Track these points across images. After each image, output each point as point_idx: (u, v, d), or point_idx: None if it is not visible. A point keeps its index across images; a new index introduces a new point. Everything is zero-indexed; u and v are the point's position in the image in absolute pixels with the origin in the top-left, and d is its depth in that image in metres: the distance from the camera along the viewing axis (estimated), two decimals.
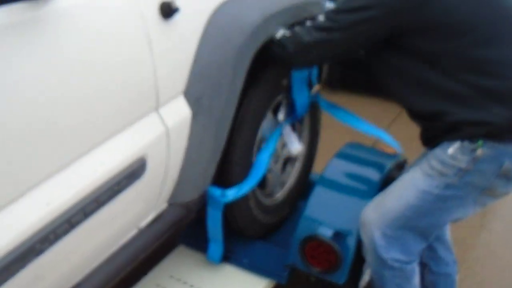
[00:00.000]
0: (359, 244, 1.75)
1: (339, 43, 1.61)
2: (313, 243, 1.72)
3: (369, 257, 1.76)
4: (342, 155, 2.00)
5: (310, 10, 1.88)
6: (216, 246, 1.88)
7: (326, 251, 1.70)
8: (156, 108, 1.44)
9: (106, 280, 1.46)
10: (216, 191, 1.72)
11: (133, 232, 1.53)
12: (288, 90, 1.94)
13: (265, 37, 1.67)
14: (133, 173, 1.39)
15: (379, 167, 1.95)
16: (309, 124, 2.20)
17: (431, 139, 1.66)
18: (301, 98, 1.97)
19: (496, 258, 2.75)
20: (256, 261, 1.94)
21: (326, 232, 1.70)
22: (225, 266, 1.97)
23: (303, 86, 1.95)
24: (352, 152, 2.08)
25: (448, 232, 1.98)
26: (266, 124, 1.89)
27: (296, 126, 2.11)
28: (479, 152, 1.52)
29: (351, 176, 1.92)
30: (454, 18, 1.52)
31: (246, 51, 1.61)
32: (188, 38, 1.50)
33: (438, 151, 1.60)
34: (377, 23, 1.55)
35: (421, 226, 1.68)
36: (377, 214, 1.70)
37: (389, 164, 1.99)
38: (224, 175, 1.75)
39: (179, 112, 1.51)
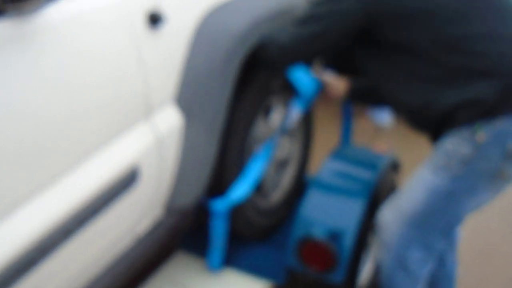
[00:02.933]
0: (355, 242, 1.77)
1: (316, 35, 1.63)
2: (308, 244, 1.73)
3: (385, 258, 1.76)
4: (336, 156, 2.02)
5: (298, 13, 1.91)
6: (217, 253, 1.90)
7: (322, 251, 1.72)
8: (147, 117, 1.46)
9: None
10: (219, 203, 1.75)
11: (131, 240, 1.56)
12: (280, 91, 1.96)
13: (254, 42, 1.69)
14: (126, 182, 1.41)
15: (372, 166, 1.97)
16: (303, 125, 2.22)
17: (434, 133, 1.66)
18: (304, 81, 1.97)
19: (495, 254, 2.76)
20: (254, 263, 1.96)
21: (320, 233, 1.72)
22: (224, 270, 1.98)
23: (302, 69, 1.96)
24: (346, 153, 2.10)
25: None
26: (258, 127, 1.92)
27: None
28: (479, 136, 1.50)
29: (345, 176, 1.94)
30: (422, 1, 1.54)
31: (235, 57, 1.63)
32: (176, 46, 1.52)
33: (439, 145, 1.60)
34: (351, 11, 1.58)
35: (439, 224, 1.67)
36: (394, 215, 1.70)
37: (383, 164, 2.01)
38: (216, 180, 1.77)
39: (170, 120, 1.53)
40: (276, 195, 2.15)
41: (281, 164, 2.17)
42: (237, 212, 1.86)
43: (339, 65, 2.02)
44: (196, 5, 1.58)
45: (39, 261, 1.18)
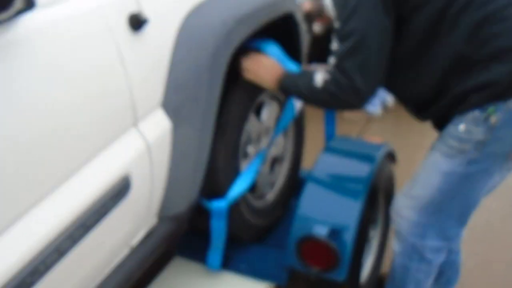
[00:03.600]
0: (356, 238, 1.73)
1: (373, 44, 1.49)
2: (309, 243, 1.69)
3: (399, 247, 1.76)
4: (330, 150, 1.98)
5: (285, 7, 1.86)
6: (216, 253, 1.85)
7: (323, 249, 1.67)
8: (135, 124, 1.41)
9: None
10: (218, 203, 1.71)
11: (125, 251, 1.51)
12: None
13: (239, 40, 1.64)
14: (118, 193, 1.35)
15: (368, 158, 1.93)
16: (294, 122, 2.18)
17: (441, 119, 1.63)
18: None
19: (496, 237, 2.74)
20: (254, 265, 1.92)
21: (321, 231, 1.67)
22: (223, 273, 1.94)
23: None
24: (340, 146, 2.05)
25: None
26: (250, 125, 1.87)
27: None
28: (493, 119, 1.48)
29: (341, 170, 1.89)
30: None
31: (221, 56, 1.58)
32: (160, 48, 1.46)
33: (451, 128, 1.57)
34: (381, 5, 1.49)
35: (454, 209, 1.66)
36: (408, 204, 1.69)
37: (379, 154, 1.97)
38: (211, 183, 1.72)
39: (159, 125, 1.48)
40: (272, 194, 2.11)
41: (276, 162, 2.12)
42: (233, 215, 1.82)
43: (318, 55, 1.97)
44: (177, 5, 1.53)
45: (34, 282, 1.13)
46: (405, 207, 1.71)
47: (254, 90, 1.83)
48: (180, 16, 1.53)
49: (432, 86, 1.57)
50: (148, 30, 1.39)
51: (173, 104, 1.51)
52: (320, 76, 1.59)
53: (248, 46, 1.79)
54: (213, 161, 1.69)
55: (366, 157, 1.94)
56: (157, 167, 1.50)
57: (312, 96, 1.63)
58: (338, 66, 1.54)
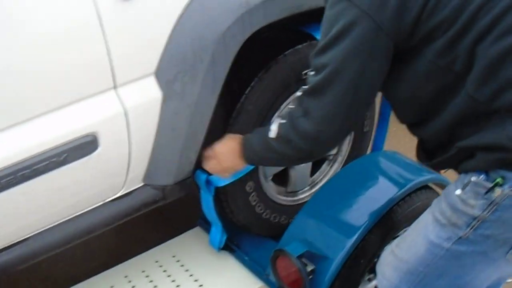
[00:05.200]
0: (340, 273, 1.51)
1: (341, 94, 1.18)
2: (281, 258, 1.53)
3: None
4: (355, 165, 1.71)
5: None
6: (216, 231, 1.82)
7: (292, 269, 1.51)
8: (114, 87, 1.42)
9: (63, 241, 1.55)
10: (202, 176, 1.65)
11: (97, 203, 1.58)
12: None
13: (261, 23, 1.51)
14: (80, 147, 1.41)
15: (398, 184, 1.61)
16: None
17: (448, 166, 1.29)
18: None
19: None
20: (259, 259, 1.82)
21: (295, 249, 1.50)
22: (228, 260, 1.89)
23: None
24: (371, 163, 1.75)
25: None
26: None
27: None
28: (498, 192, 1.11)
29: (356, 193, 1.63)
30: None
31: (232, 37, 1.47)
32: (159, 17, 1.42)
33: (451, 187, 1.22)
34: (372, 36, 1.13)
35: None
36: (393, 263, 1.37)
37: (408, 183, 1.62)
38: None
39: (144, 94, 1.46)
40: (308, 194, 1.95)
41: (324, 162, 1.95)
42: (239, 205, 1.75)
43: None
44: None
45: None
46: (389, 265, 1.38)
47: (286, 84, 1.68)
48: None
49: (438, 133, 1.22)
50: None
51: (166, 76, 1.47)
52: (275, 124, 1.34)
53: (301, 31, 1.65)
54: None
55: (394, 182, 1.63)
56: (137, 134, 1.49)
57: (271, 153, 1.35)
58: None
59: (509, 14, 1.06)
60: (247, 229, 1.85)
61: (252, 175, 1.71)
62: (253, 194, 1.75)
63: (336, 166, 1.97)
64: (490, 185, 1.11)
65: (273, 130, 1.34)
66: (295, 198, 1.92)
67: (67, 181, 1.44)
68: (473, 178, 1.14)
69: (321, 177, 1.97)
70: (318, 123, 1.23)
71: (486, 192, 1.12)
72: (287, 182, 1.88)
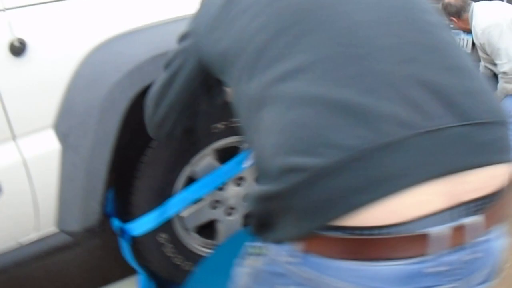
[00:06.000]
0: None
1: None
2: None
3: None
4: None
5: None
6: (144, 279, 1.84)
7: None
8: (13, 138, 1.55)
9: None
10: (116, 224, 1.71)
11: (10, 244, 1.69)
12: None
13: (152, 78, 1.55)
14: None
15: None
16: None
17: None
18: None
19: None
20: None
21: None
22: None
23: None
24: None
25: None
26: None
27: None
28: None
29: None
30: None
31: (120, 93, 1.55)
32: (54, 73, 1.54)
33: None
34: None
35: None
36: None
37: None
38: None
39: (43, 145, 1.58)
40: None
41: None
42: (151, 250, 1.77)
43: None
44: (85, 37, 1.55)
45: None
46: None
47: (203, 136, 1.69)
48: (89, 45, 1.55)
49: None
50: (37, 56, 1.49)
51: (62, 129, 1.57)
52: None
53: None
54: (130, 195, 1.68)
55: None
56: (39, 182, 1.60)
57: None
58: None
59: None
60: (173, 279, 1.84)
61: (164, 227, 1.72)
62: (169, 246, 1.76)
63: None
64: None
65: None
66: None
67: None
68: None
69: None
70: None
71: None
72: (214, 235, 1.85)
